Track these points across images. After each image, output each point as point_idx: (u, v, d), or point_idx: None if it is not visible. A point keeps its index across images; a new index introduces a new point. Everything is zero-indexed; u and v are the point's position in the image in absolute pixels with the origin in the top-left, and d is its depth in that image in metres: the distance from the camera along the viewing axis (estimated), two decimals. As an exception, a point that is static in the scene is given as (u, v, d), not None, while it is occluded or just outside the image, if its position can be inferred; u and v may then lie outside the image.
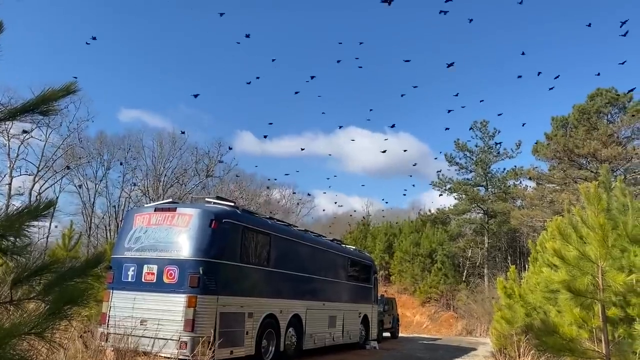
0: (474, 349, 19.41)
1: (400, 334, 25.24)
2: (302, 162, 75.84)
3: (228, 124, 77.33)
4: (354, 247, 19.96)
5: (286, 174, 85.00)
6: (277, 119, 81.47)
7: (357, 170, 75.98)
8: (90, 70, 59.43)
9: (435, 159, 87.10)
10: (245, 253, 10.40)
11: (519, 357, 11.05)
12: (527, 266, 18.03)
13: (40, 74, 45.86)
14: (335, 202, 69.99)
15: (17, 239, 2.40)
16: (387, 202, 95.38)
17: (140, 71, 70.39)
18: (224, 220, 9.75)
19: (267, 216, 13.21)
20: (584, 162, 29.64)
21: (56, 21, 60.98)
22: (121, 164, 42.00)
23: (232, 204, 10.87)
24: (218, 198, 11.31)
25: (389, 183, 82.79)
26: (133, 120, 65.33)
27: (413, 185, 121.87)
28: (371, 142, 71.84)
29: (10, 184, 36.76)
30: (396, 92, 77.78)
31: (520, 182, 38.50)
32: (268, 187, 47.81)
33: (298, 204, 54.79)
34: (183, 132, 42.63)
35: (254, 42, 75.33)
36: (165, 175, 43.98)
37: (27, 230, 2.40)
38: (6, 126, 29.85)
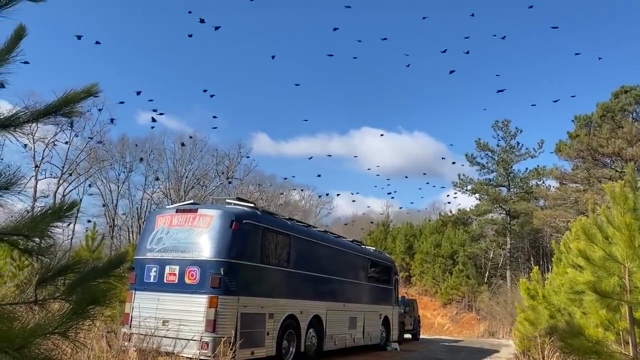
0: (497, 351, 19.15)
1: (421, 336, 25.09)
2: (317, 163, 75.88)
3: (243, 125, 77.83)
4: (373, 248, 19.89)
5: (318, 175, 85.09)
6: (292, 120, 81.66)
7: (373, 171, 75.79)
8: (107, 72, 60.24)
9: (444, 158, 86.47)
10: (265, 254, 10.43)
11: (543, 360, 10.87)
12: (550, 267, 17.74)
13: (64, 79, 46.76)
14: (354, 201, 69.87)
15: (42, 240, 2.43)
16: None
17: (152, 73, 71.05)
18: (244, 222, 9.79)
19: (287, 217, 13.23)
20: (608, 161, 29.08)
21: (72, 24, 61.98)
22: (141, 159, 42.52)
23: (252, 205, 10.91)
24: (238, 199, 11.37)
25: (406, 183, 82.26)
26: (150, 122, 65.93)
27: (434, 185, 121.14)
28: (386, 141, 71.69)
29: (35, 186, 37.52)
30: (410, 91, 77.43)
31: (543, 182, 37.96)
32: (282, 192, 48.04)
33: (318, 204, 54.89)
34: (191, 137, 43.20)
35: (261, 43, 75.47)
36: (187, 177, 44.47)
37: (51, 231, 2.42)
38: (31, 129, 30.46)
